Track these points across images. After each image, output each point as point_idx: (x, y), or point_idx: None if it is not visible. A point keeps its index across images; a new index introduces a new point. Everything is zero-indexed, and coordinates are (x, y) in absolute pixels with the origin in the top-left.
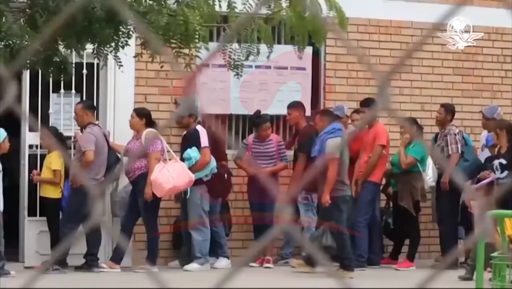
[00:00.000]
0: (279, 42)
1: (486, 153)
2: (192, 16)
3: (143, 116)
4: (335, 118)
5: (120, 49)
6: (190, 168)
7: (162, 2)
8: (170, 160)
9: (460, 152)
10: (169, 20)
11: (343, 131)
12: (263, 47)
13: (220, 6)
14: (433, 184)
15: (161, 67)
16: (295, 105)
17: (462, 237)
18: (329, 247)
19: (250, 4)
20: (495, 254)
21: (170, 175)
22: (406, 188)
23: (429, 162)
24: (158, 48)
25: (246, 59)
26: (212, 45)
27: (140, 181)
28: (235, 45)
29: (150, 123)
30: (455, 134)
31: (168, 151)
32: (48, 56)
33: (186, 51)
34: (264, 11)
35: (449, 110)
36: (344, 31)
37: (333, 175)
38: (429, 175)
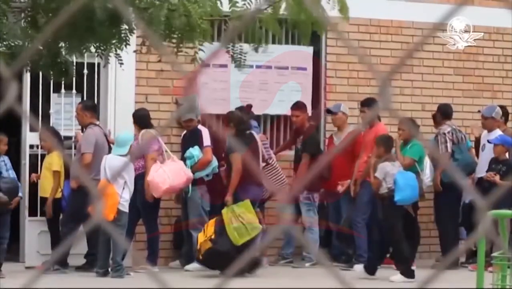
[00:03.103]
0: (279, 42)
1: (487, 153)
2: (193, 9)
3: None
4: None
5: (122, 47)
6: (191, 167)
7: None
8: (169, 159)
9: (449, 150)
10: (169, 15)
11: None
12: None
13: (225, 3)
14: (431, 183)
15: (161, 70)
16: (300, 106)
17: (464, 238)
18: None
19: (251, 1)
20: (495, 254)
21: (166, 174)
22: None
23: (427, 160)
24: (158, 46)
25: (256, 51)
26: (214, 45)
27: (138, 181)
28: (241, 44)
29: (146, 124)
30: (444, 134)
31: (166, 151)
32: (51, 58)
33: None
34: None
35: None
36: (346, 19)
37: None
38: (427, 174)
